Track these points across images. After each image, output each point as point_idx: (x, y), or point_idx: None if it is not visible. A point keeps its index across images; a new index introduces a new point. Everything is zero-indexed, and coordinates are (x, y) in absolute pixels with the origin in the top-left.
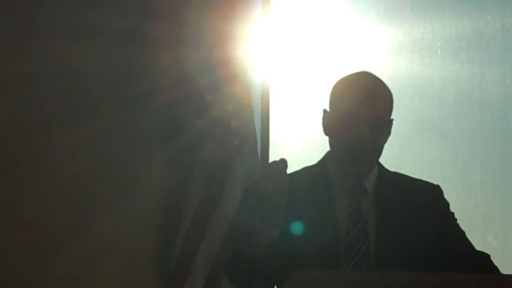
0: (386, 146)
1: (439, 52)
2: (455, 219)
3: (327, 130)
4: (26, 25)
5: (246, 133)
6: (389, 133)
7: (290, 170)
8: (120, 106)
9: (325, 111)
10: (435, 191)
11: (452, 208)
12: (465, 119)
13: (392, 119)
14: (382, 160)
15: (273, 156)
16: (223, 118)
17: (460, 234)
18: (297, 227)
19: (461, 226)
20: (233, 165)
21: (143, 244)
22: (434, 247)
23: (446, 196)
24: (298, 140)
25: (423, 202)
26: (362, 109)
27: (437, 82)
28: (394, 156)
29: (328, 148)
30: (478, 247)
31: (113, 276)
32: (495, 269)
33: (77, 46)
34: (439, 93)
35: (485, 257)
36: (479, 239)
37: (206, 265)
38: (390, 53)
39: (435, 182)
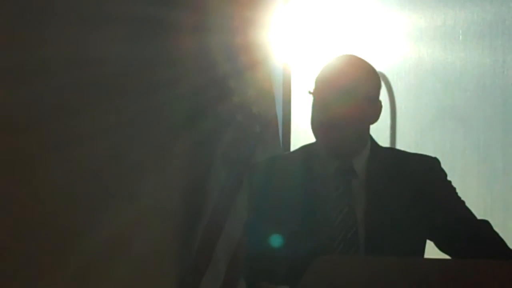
0: (407, 132)
1: (461, 38)
2: (454, 189)
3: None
4: (49, 11)
5: (268, 120)
6: (376, 115)
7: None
8: (142, 93)
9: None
10: (431, 164)
11: (473, 195)
12: (487, 105)
13: (380, 101)
14: (403, 147)
15: (295, 143)
16: (245, 104)
17: (460, 204)
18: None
19: (483, 213)
20: (255, 152)
21: (166, 232)
22: (432, 222)
23: (467, 184)
24: None
25: (418, 178)
26: (330, 86)
27: (459, 69)
28: (415, 143)
29: None
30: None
31: (137, 263)
32: (497, 236)
33: (100, 33)
34: (460, 79)
35: (486, 225)
36: (501, 226)
37: (227, 253)
38: (411, 39)
39: (457, 169)
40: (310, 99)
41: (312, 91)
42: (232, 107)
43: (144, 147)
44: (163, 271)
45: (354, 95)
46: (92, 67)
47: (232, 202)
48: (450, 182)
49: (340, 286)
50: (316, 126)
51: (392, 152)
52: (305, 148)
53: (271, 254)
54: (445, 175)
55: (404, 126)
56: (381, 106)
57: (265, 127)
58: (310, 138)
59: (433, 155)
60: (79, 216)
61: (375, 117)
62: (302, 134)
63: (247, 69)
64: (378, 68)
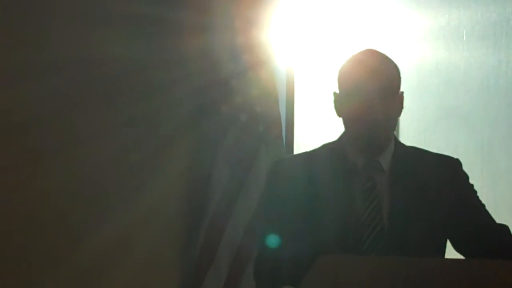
0: (411, 132)
1: (464, 39)
2: (475, 192)
3: (339, 111)
4: (52, 11)
5: (271, 119)
6: (401, 106)
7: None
8: (144, 93)
9: (334, 93)
10: (454, 164)
11: (478, 196)
12: (490, 106)
13: (402, 92)
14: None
15: (298, 143)
16: (248, 104)
17: (480, 207)
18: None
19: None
20: (258, 151)
21: (168, 232)
22: (451, 222)
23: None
24: (323, 127)
25: (440, 177)
26: (368, 80)
27: (463, 69)
28: (419, 143)
29: None
30: None
31: (139, 264)
32: None
33: (102, 33)
34: (464, 79)
35: (505, 229)
36: None
37: (230, 253)
38: (415, 39)
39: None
40: (339, 98)
41: (342, 88)
42: (235, 107)
43: (147, 147)
44: (165, 272)
45: (392, 87)
46: (93, 67)
47: (234, 202)
48: (472, 185)
49: (342, 285)
50: (357, 121)
51: (415, 150)
52: (327, 146)
53: (297, 252)
54: (467, 177)
55: (407, 126)
56: (403, 98)
57: (268, 127)
58: (313, 138)
59: None
60: (82, 217)
61: (401, 109)
62: (305, 133)
63: (250, 69)
64: None
